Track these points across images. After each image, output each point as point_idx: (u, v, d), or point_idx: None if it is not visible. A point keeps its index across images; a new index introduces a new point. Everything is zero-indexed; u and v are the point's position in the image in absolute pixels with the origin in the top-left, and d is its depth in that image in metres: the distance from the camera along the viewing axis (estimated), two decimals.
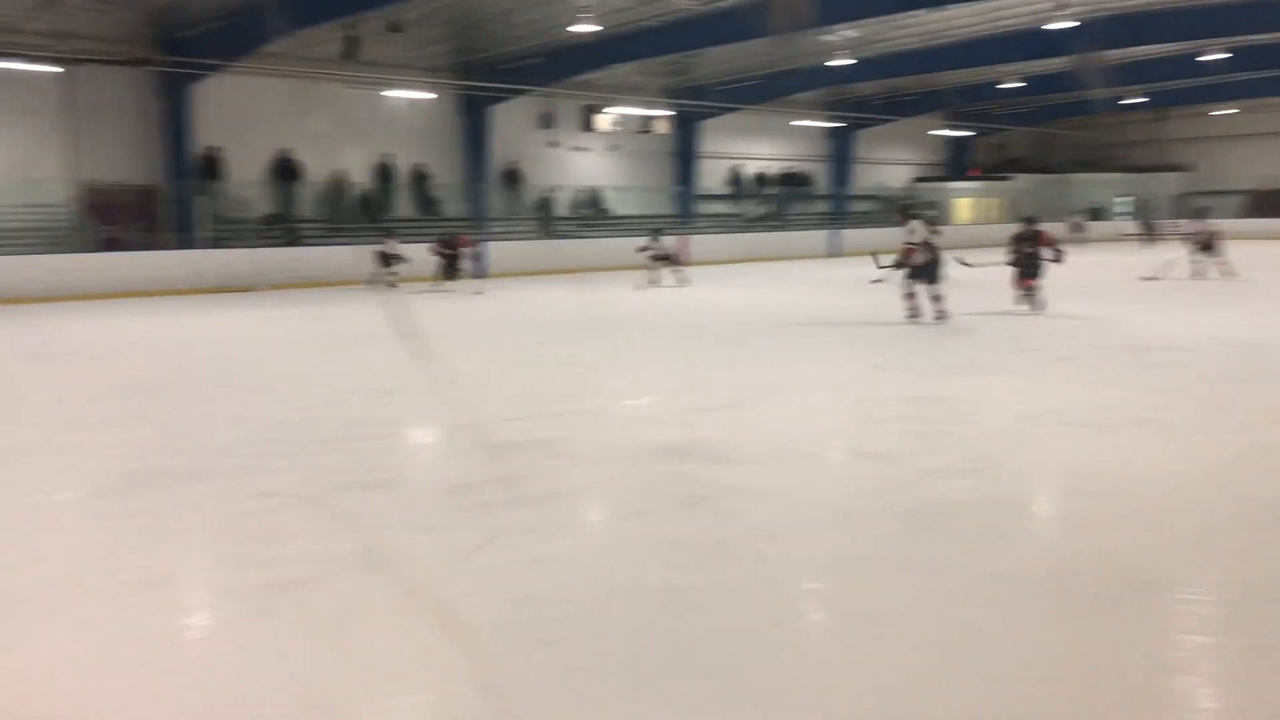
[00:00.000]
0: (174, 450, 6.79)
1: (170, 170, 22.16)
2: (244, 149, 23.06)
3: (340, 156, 24.52)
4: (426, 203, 26.13)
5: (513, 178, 27.92)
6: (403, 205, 25.83)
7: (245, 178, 23.04)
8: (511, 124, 27.34)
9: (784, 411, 7.90)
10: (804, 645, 3.82)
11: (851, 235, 31.65)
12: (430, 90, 25.36)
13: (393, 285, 19.45)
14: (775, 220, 33.04)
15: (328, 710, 3.25)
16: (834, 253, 31.23)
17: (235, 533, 5.00)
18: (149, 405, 8.48)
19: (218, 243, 21.67)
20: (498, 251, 24.09)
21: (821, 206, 34.84)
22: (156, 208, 21.96)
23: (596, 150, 29.89)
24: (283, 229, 23.08)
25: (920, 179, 39.82)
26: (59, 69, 20.28)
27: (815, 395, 8.65)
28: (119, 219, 21.10)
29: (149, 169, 22.19)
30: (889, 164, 38.25)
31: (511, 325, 14.40)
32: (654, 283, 19.27)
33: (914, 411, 7.78)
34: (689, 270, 20.76)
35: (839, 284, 13.40)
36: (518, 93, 25.87)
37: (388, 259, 19.86)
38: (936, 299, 12.59)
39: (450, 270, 19.85)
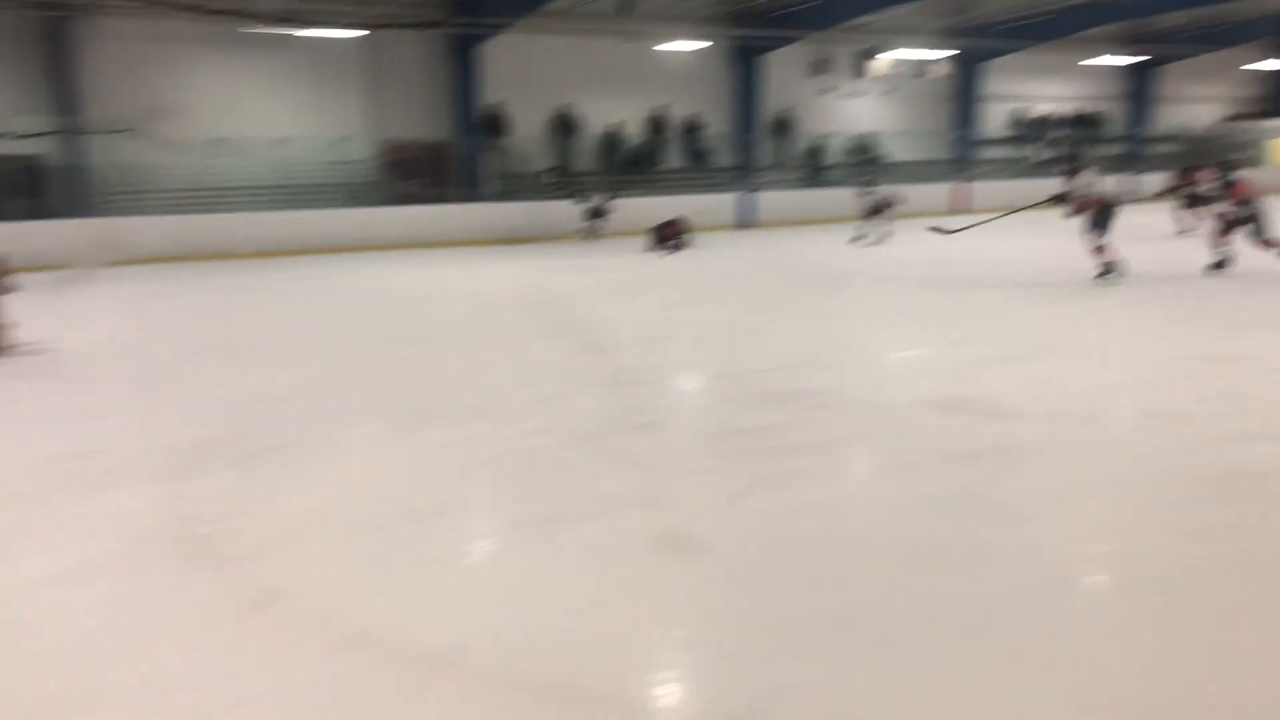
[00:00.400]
0: (463, 388, 7.26)
1: (460, 127, 23.52)
2: (526, 105, 24.10)
3: (616, 110, 25.15)
4: (697, 154, 26.38)
5: (783, 126, 27.69)
6: (674, 157, 26.21)
7: (527, 133, 24.09)
8: (783, 72, 27.05)
9: (1064, 367, 7.46)
10: (1077, 608, 3.64)
11: (1151, 180, 29.32)
12: (702, 40, 25.48)
13: (595, 237, 20.11)
14: (1064, 164, 30.98)
15: (604, 640, 3.41)
16: (1129, 199, 29.02)
17: (518, 468, 5.31)
18: (445, 347, 9.09)
19: (503, 196, 22.81)
20: (767, 201, 24.03)
21: (1116, 149, 32.42)
22: (448, 163, 23.37)
23: (871, 96, 29.09)
24: (564, 182, 23.99)
25: (1232, 117, 36.23)
26: (362, 34, 21.88)
27: (1097, 350, 8.12)
28: (414, 174, 22.64)
29: (441, 126, 23.64)
30: (1195, 102, 35.01)
31: (775, 276, 14.35)
32: (863, 236, 18.67)
33: (1210, 369, 7.17)
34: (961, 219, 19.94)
35: (1128, 233, 12.41)
36: (790, 40, 25.56)
37: (597, 211, 20.47)
38: (1100, 249, 11.45)
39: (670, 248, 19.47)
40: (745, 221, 21.34)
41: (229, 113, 21.21)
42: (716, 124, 26.73)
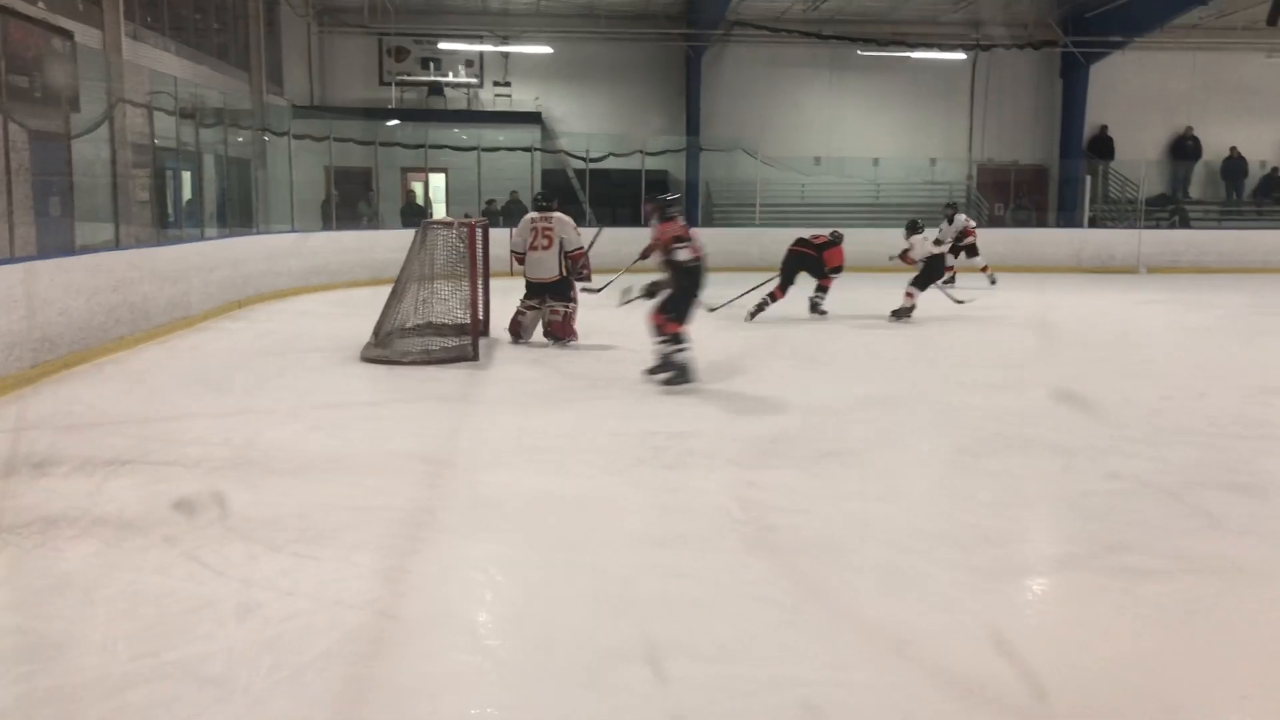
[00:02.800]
0: (1037, 420, 6.99)
1: (1061, 149, 22.54)
2: (1136, 127, 22.46)
3: (1245, 133, 22.50)
4: None
5: None
6: None
7: (1133, 156, 22.42)
8: None
9: None
10: None
11: None
12: None
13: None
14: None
15: (1168, 703, 3.14)
16: None
17: (1076, 509, 5.02)
18: (1023, 375, 8.82)
19: (1095, 222, 21.51)
20: None
21: None
22: (1045, 187, 22.53)
23: None
24: (1171, 210, 22.02)
25: None
26: (966, 55, 21.81)
27: None
28: (1008, 197, 22.13)
29: (1041, 149, 22.83)
30: None
31: None
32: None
33: None
34: None
35: None
36: None
37: None
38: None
39: None
40: None
41: (832, 132, 22.29)
42: None
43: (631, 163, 20.20)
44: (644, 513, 4.88)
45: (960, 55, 21.74)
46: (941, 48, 21.24)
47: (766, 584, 4.00)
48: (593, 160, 20.26)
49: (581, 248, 9.93)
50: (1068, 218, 21.67)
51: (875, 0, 20.28)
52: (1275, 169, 22.62)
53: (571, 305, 10.01)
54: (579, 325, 10.11)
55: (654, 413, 7.13)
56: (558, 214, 10.01)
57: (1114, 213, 21.86)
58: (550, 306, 9.99)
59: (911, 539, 4.54)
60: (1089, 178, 21.84)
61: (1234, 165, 22.47)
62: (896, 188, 21.98)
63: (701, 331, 11.01)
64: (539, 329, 10.13)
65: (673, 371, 7.97)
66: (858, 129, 22.36)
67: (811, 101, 22.43)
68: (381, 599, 3.81)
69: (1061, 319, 13.07)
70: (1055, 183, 22.59)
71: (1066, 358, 9.98)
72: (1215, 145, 22.57)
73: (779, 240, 18.47)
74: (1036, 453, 6.12)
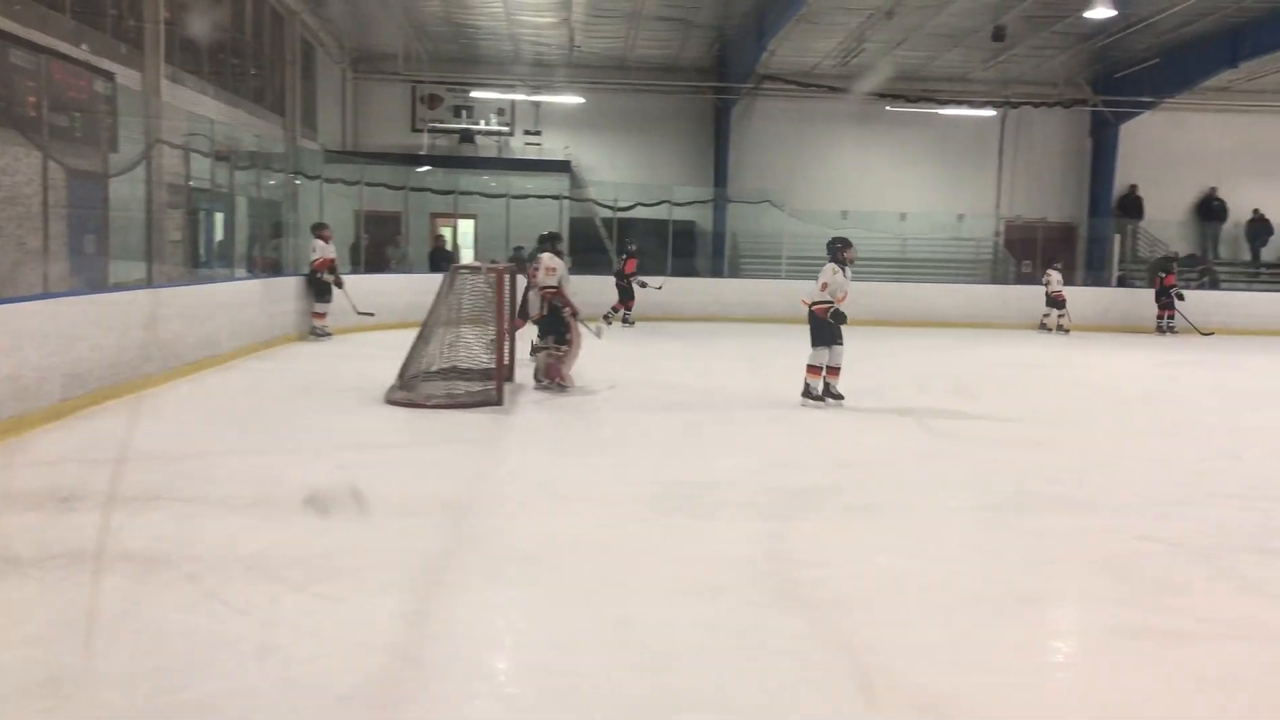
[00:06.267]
0: (1063, 479, 6.90)
1: (1090, 208, 22.51)
2: (1165, 186, 22.43)
3: (1273, 195, 22.42)
4: None
5: None
6: None
7: (1163, 216, 22.37)
8: None
9: None
10: None
11: None
12: None
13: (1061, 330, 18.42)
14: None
15: None
16: None
17: (1110, 570, 4.92)
18: (1053, 432, 8.72)
19: (1123, 281, 21.42)
20: None
21: None
22: (1074, 244, 22.47)
23: None
24: (1201, 270, 21.90)
25: None
26: (996, 112, 21.89)
27: None
28: (1034, 254, 22.06)
29: (1070, 206, 22.81)
30: None
31: None
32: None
33: None
34: None
35: None
36: None
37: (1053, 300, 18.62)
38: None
39: None
40: None
41: (860, 187, 22.36)
42: None
43: (659, 213, 20.31)
44: (672, 563, 4.81)
45: (990, 112, 21.82)
46: (971, 104, 21.34)
47: (795, 640, 3.92)
48: (620, 209, 20.38)
49: (552, 286, 9.92)
50: (1096, 276, 21.58)
51: (906, 56, 20.41)
52: None
53: (563, 349, 9.98)
54: (577, 371, 10.06)
55: (684, 462, 7.09)
56: (543, 255, 10.09)
57: (1141, 272, 21.75)
58: (548, 348, 10.03)
59: (943, 597, 4.45)
60: (1118, 236, 21.79)
61: (1258, 227, 22.37)
62: (923, 243, 21.98)
63: (734, 377, 10.96)
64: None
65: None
66: (886, 183, 22.42)
67: (840, 156, 22.53)
68: (403, 643, 3.77)
69: (1090, 377, 12.97)
70: (1084, 240, 22.53)
71: (1099, 416, 9.87)
72: (1240, 206, 22.50)
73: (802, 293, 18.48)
74: (1068, 511, 6.02)
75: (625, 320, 17.49)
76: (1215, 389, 12.35)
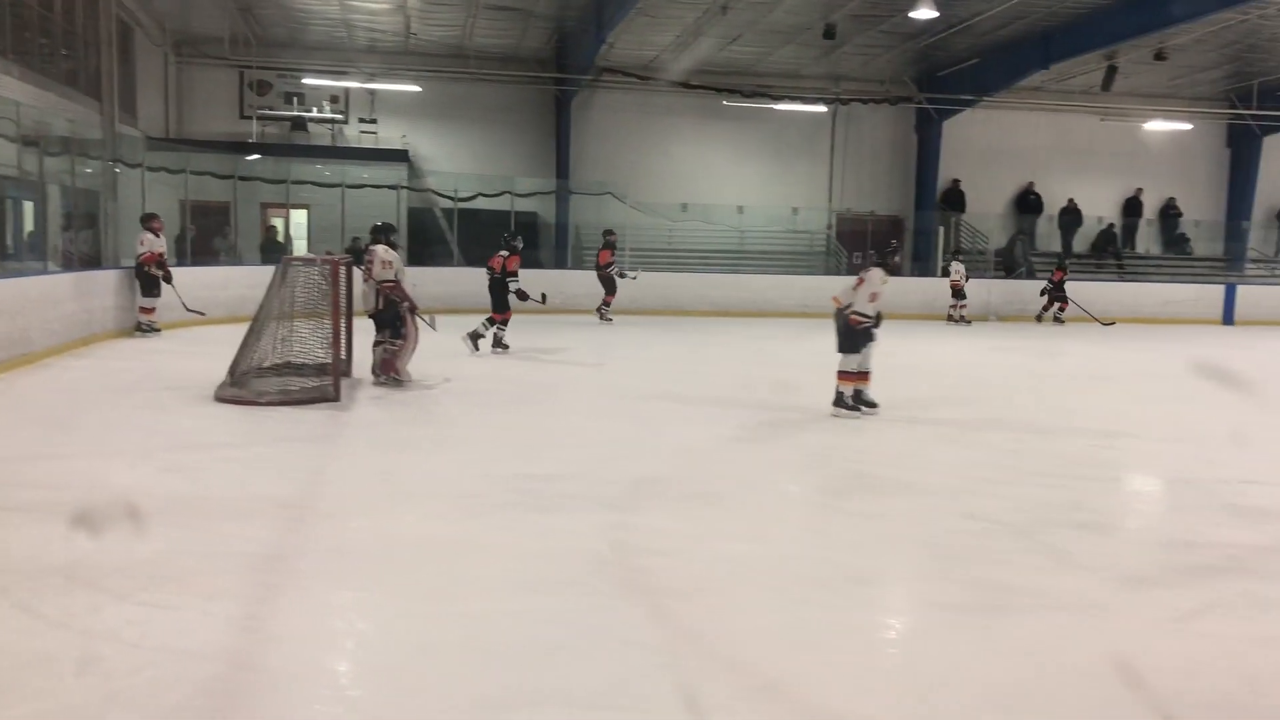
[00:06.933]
0: (892, 462, 7.18)
1: (916, 201, 23.46)
2: (986, 181, 23.56)
3: (1085, 189, 23.85)
4: (1171, 241, 24.31)
5: None
6: (1146, 242, 24.36)
7: (985, 209, 23.50)
8: None
9: None
10: None
11: None
12: (1191, 120, 23.50)
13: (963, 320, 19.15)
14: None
15: None
16: None
17: (936, 548, 5.15)
18: (883, 417, 9.03)
19: (947, 272, 22.39)
20: (1250, 296, 21.57)
21: None
22: (902, 236, 23.37)
23: None
24: (1016, 262, 23.11)
25: None
26: (827, 109, 22.56)
27: None
28: (864, 246, 22.87)
29: (897, 200, 23.72)
30: None
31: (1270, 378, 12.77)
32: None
33: None
34: None
35: None
36: None
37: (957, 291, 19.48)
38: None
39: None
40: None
41: (699, 180, 22.68)
42: (1200, 210, 24.55)
43: (501, 203, 20.14)
44: (516, 558, 4.79)
45: (821, 108, 22.46)
46: (803, 100, 21.90)
47: (640, 628, 3.96)
48: (461, 200, 20.12)
49: (389, 280, 9.72)
50: (922, 267, 22.50)
51: (741, 52, 20.80)
52: (1111, 225, 23.98)
53: (399, 343, 9.81)
54: (415, 365, 9.90)
55: (525, 455, 7.06)
56: (377, 248, 9.84)
57: (966, 262, 22.78)
58: (384, 343, 9.84)
59: (780, 580, 4.58)
60: (942, 229, 22.77)
61: (1070, 218, 23.72)
62: (760, 235, 22.49)
63: (578, 370, 10.99)
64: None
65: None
66: (724, 177, 22.82)
67: (679, 149, 22.80)
68: (237, 650, 3.64)
69: (917, 364, 13.51)
70: (911, 233, 23.45)
71: (924, 403, 10.29)
72: (1056, 201, 23.84)
73: (641, 285, 18.67)
74: (897, 493, 6.27)
75: (601, 315, 17.37)
76: (1032, 373, 13.06)
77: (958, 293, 19.38)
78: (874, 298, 8.44)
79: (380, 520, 5.36)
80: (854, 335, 8.57)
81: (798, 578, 4.63)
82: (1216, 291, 21.49)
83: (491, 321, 12.42)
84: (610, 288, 17.34)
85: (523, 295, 12.41)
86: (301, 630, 3.87)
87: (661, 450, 7.34)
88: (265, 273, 10.32)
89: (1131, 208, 24.25)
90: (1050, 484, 6.63)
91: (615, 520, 5.44)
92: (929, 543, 5.25)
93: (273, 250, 18.09)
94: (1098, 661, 3.76)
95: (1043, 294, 20.03)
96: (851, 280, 8.70)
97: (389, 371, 9.74)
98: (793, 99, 21.75)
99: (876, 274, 8.50)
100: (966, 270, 19.54)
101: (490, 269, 12.41)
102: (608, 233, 17.59)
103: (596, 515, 5.51)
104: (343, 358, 9.60)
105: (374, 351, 9.92)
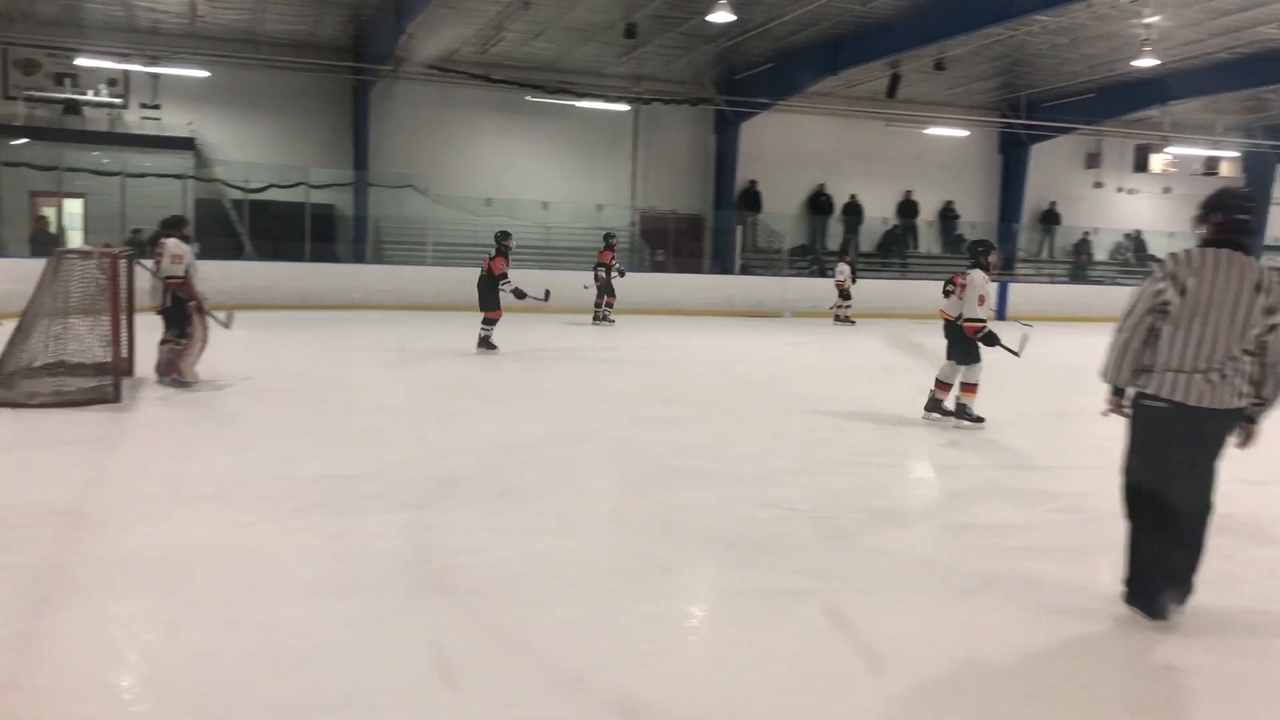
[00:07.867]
0: (701, 453, 7.34)
1: (715, 200, 24.06)
2: (781, 183, 24.42)
3: (871, 191, 25.06)
4: (949, 241, 25.86)
5: (1049, 218, 26.79)
6: (928, 242, 25.80)
7: (780, 210, 24.34)
8: (1051, 163, 26.25)
9: None
10: None
11: None
12: (967, 127, 25.07)
13: (846, 320, 19.73)
14: None
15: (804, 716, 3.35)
16: None
17: (736, 536, 5.30)
18: (687, 411, 9.24)
19: (746, 270, 23.09)
20: (1021, 294, 23.17)
21: None
22: (701, 235, 23.93)
23: (1148, 192, 27.70)
24: (810, 259, 24.04)
25: None
26: (629, 107, 22.84)
27: None
28: (668, 243, 23.30)
29: (698, 199, 24.25)
30: None
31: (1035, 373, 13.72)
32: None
33: None
34: None
35: None
36: (1062, 131, 24.76)
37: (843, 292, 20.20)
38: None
39: None
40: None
41: (503, 174, 22.54)
42: (976, 212, 26.21)
43: (295, 195, 19.43)
44: (313, 561, 4.63)
45: (624, 107, 22.70)
46: (606, 99, 22.09)
47: (445, 628, 3.91)
48: (252, 191, 19.30)
49: (178, 276, 9.27)
50: (721, 264, 23.10)
51: (543, 48, 20.78)
52: (895, 226, 25.29)
53: (184, 342, 9.35)
54: (204, 365, 9.46)
55: (322, 455, 6.84)
56: (168, 241, 9.35)
57: (762, 261, 23.52)
58: (170, 341, 9.36)
59: (586, 573, 4.61)
60: (740, 228, 23.44)
61: (853, 218, 24.83)
62: (564, 231, 22.53)
63: (381, 371, 10.74)
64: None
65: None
66: (528, 172, 22.75)
67: (483, 143, 22.59)
68: (5, 670, 3.38)
69: (719, 359, 13.86)
70: (710, 231, 24.03)
71: (724, 396, 10.57)
72: (844, 201, 24.95)
73: (449, 279, 18.40)
74: (700, 483, 6.41)
75: (598, 315, 17.33)
76: (824, 367, 13.60)
77: (843, 294, 19.75)
78: (982, 300, 8.22)
79: (164, 526, 5.08)
80: (971, 345, 8.35)
81: (603, 569, 4.68)
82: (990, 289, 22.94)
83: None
84: (609, 290, 17.57)
85: (520, 294, 12.24)
86: (77, 646, 3.63)
87: (464, 447, 7.26)
88: (35, 266, 9.59)
89: (906, 209, 25.65)
90: (841, 472, 6.94)
91: (418, 519, 5.34)
92: (730, 530, 5.38)
93: (44, 242, 16.87)
94: (888, 641, 3.97)
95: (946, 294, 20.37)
96: (948, 290, 8.54)
97: (172, 373, 9.24)
98: (595, 97, 21.90)
99: (977, 276, 8.32)
100: (853, 271, 19.87)
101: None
102: (609, 236, 17.95)
103: (398, 515, 5.40)
104: (124, 356, 9.04)
105: (159, 350, 9.40)
